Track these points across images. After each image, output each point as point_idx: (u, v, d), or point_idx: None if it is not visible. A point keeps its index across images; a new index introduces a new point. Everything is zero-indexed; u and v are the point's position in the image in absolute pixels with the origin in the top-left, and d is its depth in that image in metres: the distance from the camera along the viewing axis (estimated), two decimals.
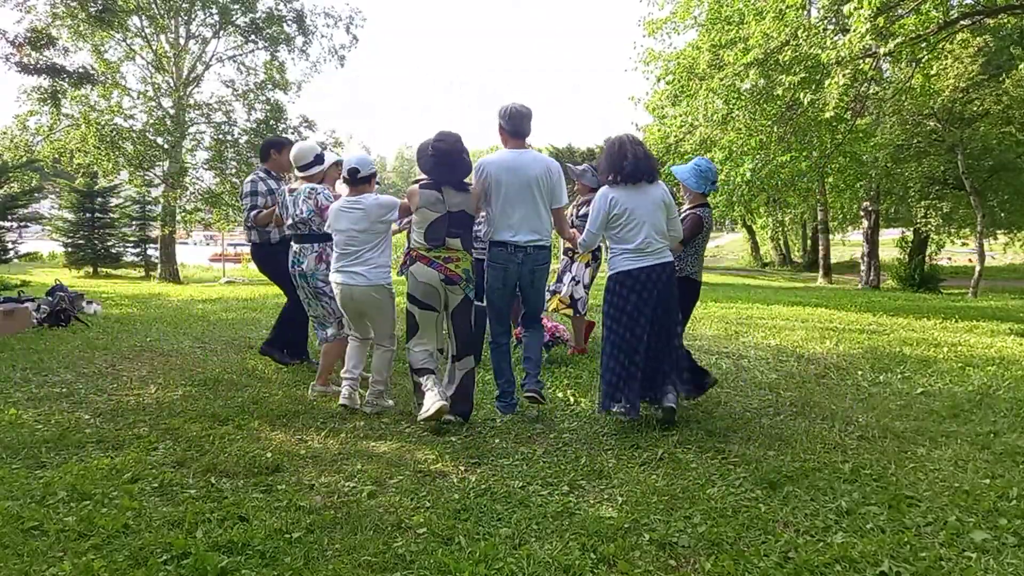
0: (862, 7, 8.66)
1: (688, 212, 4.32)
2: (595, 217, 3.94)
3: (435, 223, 3.84)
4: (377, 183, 7.10)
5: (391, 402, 4.31)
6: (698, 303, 10.27)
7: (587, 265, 5.85)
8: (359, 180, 4.13)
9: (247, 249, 5.30)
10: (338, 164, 6.04)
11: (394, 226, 4.35)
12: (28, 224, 12.42)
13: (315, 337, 5.08)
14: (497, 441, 3.70)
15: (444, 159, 3.84)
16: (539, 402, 4.12)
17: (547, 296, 5.96)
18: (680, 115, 13.22)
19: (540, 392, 4.13)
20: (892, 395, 4.81)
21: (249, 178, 5.25)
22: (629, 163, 3.83)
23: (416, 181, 4.01)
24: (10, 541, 2.47)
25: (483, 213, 4.21)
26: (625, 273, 3.85)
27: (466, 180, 3.97)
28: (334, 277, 4.18)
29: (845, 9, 9.03)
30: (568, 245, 5.97)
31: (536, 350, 4.28)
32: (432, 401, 3.75)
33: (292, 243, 4.69)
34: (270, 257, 5.26)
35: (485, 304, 4.40)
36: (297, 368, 5.42)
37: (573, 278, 5.88)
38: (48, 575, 2.29)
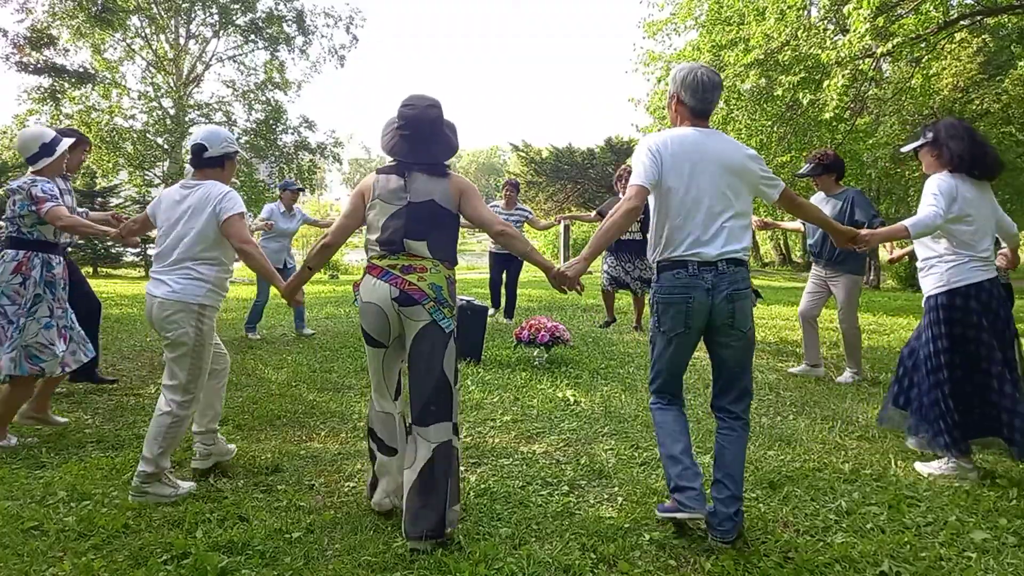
0: (861, 7, 8.66)
1: None
2: (946, 198, 3.09)
3: (390, 220, 2.64)
4: (295, 188, 7.09)
5: (175, 490, 2.90)
6: None
7: None
8: (204, 162, 3.05)
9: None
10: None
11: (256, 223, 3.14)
12: None
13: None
14: (497, 441, 3.70)
15: (416, 130, 2.67)
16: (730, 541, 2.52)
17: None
18: None
19: (739, 526, 2.54)
20: None
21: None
22: (983, 152, 3.20)
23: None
24: (10, 541, 2.47)
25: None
26: (976, 286, 3.13)
27: (447, 163, 2.77)
28: (148, 285, 3.03)
29: (845, 9, 9.04)
30: None
31: (738, 461, 2.62)
32: (378, 496, 2.75)
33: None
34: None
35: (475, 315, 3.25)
36: (297, 368, 5.42)
37: None
38: (48, 575, 2.29)
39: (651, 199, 2.68)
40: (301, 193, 7.41)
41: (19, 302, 3.56)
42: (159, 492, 2.87)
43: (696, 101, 2.69)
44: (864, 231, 3.25)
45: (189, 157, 3.12)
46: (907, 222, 3.12)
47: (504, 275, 7.80)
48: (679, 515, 2.56)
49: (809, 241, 5.30)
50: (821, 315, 5.50)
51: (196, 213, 2.96)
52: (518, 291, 8.13)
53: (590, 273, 6.81)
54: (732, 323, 2.60)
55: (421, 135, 2.67)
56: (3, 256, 3.60)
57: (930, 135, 3.34)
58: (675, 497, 2.58)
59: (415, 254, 2.63)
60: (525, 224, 7.92)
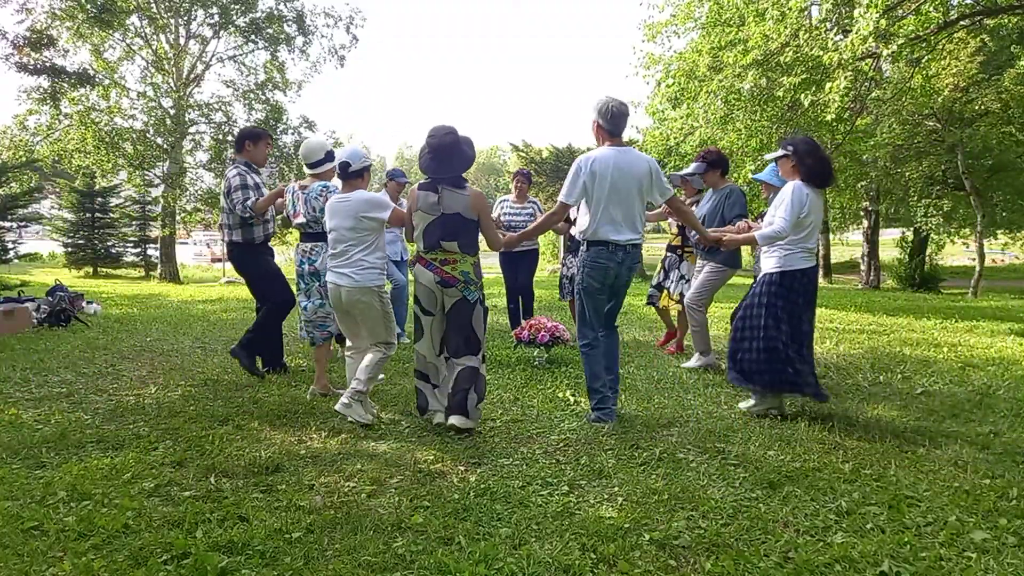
0: (870, 9, 8.65)
1: None
2: (795, 210, 3.95)
3: (429, 227, 3.76)
4: (403, 180, 7.04)
5: (370, 416, 3.95)
6: None
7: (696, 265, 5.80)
8: (350, 175, 3.99)
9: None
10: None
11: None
12: (28, 224, 12.44)
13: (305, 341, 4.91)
14: (497, 441, 3.70)
15: (439, 154, 3.71)
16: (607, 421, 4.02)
17: (655, 293, 6.17)
18: (680, 118, 13.19)
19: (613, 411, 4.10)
20: (892, 395, 4.81)
21: (235, 171, 4.91)
22: (828, 169, 4.10)
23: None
24: (10, 541, 2.47)
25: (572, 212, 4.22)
26: (801, 272, 4.08)
27: (464, 176, 3.82)
28: (327, 276, 4.07)
29: (856, 12, 9.01)
30: (675, 242, 6.09)
31: (615, 358, 4.22)
32: (432, 408, 3.96)
33: (301, 242, 4.64)
34: (254, 258, 5.05)
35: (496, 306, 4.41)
36: (297, 368, 5.42)
37: (682, 276, 5.93)
38: (48, 575, 2.29)
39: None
40: (404, 184, 6.94)
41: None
42: (358, 412, 3.89)
43: (610, 125, 3.93)
44: (726, 237, 4.46)
45: (337, 172, 4.02)
46: (757, 234, 4.13)
47: (517, 275, 7.37)
48: (604, 423, 3.98)
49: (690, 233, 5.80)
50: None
51: (359, 219, 3.90)
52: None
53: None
54: (627, 284, 4.10)
55: (443, 156, 3.72)
56: (315, 249, 4.52)
57: (790, 148, 4.11)
58: (598, 413, 4.05)
59: (449, 251, 3.78)
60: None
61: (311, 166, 4.55)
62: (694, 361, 5.51)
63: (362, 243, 3.94)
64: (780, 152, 4.20)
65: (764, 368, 4.07)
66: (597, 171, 3.84)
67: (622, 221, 3.90)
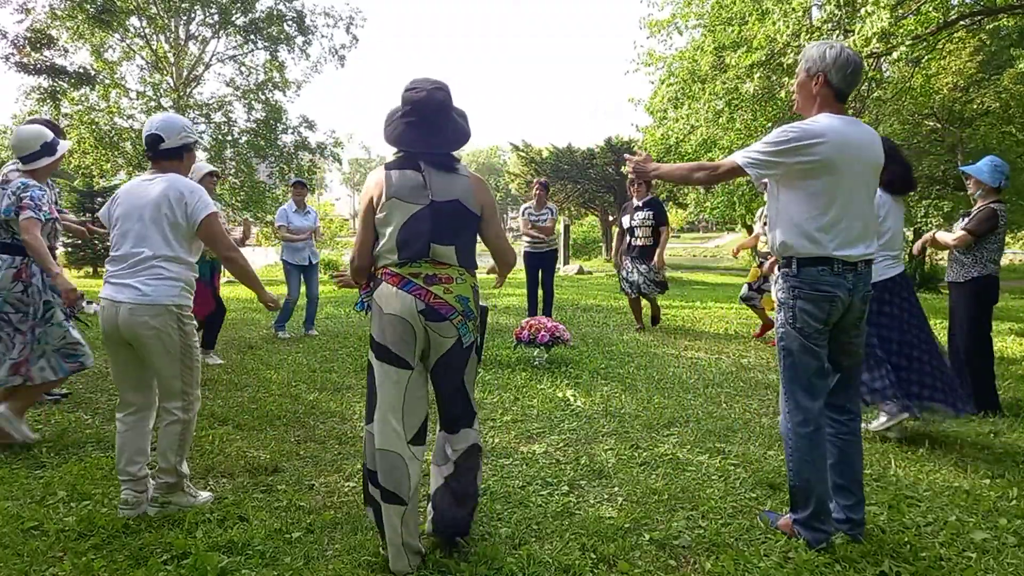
0: (876, 10, 8.66)
1: (984, 206, 4.37)
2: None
3: (412, 222, 2.32)
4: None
5: (204, 495, 2.85)
6: (698, 303, 10.15)
7: None
8: (161, 153, 2.76)
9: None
10: (212, 175, 5.11)
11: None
12: None
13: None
14: (497, 441, 3.70)
15: (425, 116, 2.36)
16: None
17: (755, 296, 6.30)
18: (682, 118, 13.20)
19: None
20: None
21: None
22: (913, 177, 3.98)
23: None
24: (10, 541, 2.47)
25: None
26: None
27: (455, 154, 2.46)
28: (101, 290, 2.74)
29: (862, 12, 9.02)
30: (767, 249, 6.15)
31: (855, 465, 2.61)
32: (391, 553, 2.32)
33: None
34: None
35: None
36: (297, 369, 5.42)
37: (776, 279, 5.93)
38: (48, 575, 2.29)
39: (774, 189, 2.60)
40: (305, 188, 7.25)
41: (24, 310, 3.47)
42: (181, 503, 2.76)
43: (844, 82, 2.55)
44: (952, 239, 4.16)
45: (145, 149, 2.82)
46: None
47: (540, 274, 7.60)
48: (815, 544, 2.49)
49: None
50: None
51: (162, 209, 2.66)
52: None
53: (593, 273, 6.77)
54: (859, 323, 2.60)
55: (429, 121, 2.36)
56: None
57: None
58: (810, 533, 2.51)
59: (441, 261, 2.35)
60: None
61: (24, 159, 3.48)
62: None
63: (162, 246, 2.66)
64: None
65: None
66: (827, 145, 2.42)
67: (854, 226, 2.47)
